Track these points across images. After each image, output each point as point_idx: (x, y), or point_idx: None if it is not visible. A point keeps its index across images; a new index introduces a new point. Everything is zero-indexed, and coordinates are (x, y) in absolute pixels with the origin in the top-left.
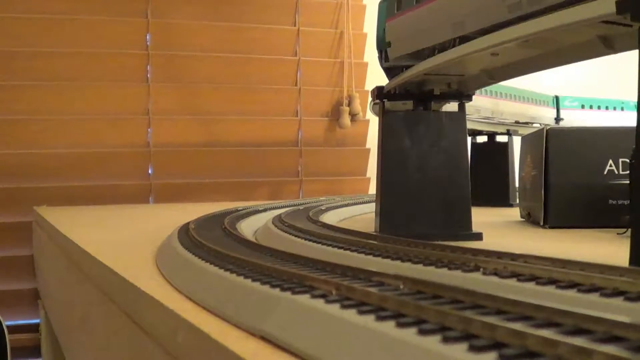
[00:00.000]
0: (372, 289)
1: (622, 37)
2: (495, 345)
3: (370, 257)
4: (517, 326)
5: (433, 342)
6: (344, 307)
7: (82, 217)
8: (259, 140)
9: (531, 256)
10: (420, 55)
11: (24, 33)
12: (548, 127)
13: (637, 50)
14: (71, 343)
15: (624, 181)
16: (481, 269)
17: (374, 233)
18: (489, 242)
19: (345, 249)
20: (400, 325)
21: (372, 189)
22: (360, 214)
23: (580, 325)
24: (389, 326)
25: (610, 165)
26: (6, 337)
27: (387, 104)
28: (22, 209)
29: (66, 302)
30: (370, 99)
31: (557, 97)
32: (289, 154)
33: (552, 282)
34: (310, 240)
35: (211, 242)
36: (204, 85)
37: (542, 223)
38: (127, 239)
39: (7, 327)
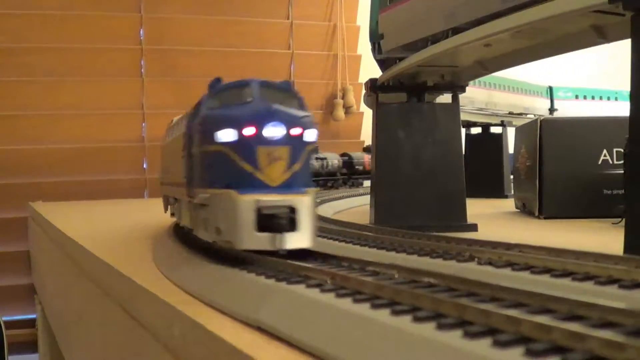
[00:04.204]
0: (367, 278)
1: (614, 27)
2: (490, 332)
3: (365, 248)
4: (512, 312)
5: (428, 329)
6: (339, 296)
7: (77, 212)
8: None
9: (526, 246)
10: (414, 47)
11: (17, 29)
12: (542, 118)
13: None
14: (67, 337)
15: (618, 171)
16: (476, 259)
17: (369, 225)
18: (484, 233)
19: (341, 241)
20: (395, 312)
21: (367, 182)
22: (355, 206)
23: (575, 312)
24: (384, 314)
25: (605, 156)
26: (3, 333)
27: (381, 96)
28: (17, 204)
29: (62, 297)
30: (364, 91)
31: (550, 88)
32: None
33: (546, 271)
34: None
35: None
36: (197, 79)
37: (536, 213)
38: (123, 234)
39: (4, 322)
